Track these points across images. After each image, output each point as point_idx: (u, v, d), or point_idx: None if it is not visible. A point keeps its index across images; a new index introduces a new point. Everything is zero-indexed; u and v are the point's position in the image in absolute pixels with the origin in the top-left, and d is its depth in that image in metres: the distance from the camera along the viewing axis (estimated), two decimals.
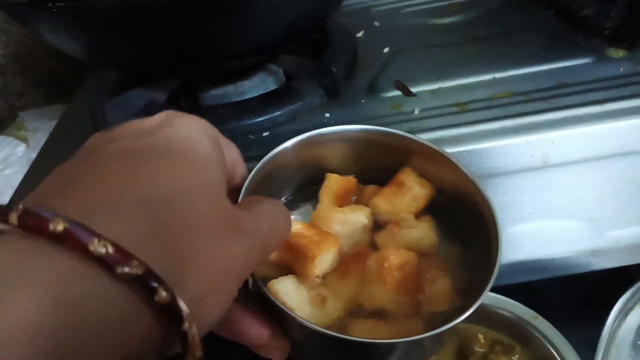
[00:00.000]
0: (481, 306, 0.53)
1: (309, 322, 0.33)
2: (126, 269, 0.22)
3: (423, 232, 0.41)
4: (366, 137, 0.45)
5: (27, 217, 0.22)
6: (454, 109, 0.54)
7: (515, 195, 0.51)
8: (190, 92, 0.65)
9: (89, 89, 0.73)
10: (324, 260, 0.38)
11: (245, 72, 0.64)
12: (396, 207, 0.42)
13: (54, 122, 0.76)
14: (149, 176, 0.26)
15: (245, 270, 0.30)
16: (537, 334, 0.50)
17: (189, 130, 0.31)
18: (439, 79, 0.59)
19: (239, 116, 0.58)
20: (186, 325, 0.24)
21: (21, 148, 0.84)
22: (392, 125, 0.53)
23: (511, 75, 0.58)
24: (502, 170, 0.49)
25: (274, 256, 0.38)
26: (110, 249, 0.22)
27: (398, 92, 0.58)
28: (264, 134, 0.56)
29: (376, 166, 0.45)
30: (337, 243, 0.39)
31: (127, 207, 0.24)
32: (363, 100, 0.58)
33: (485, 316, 0.52)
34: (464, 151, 0.49)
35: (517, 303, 0.52)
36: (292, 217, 0.41)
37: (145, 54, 0.53)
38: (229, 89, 0.63)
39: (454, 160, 0.42)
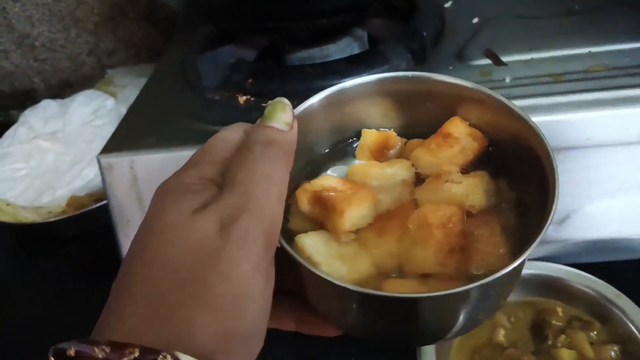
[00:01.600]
0: (561, 281, 0.53)
1: (327, 275, 0.31)
2: (124, 359, 0.25)
3: (469, 188, 0.36)
4: (405, 86, 0.41)
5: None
6: (548, 79, 0.53)
7: (606, 168, 0.49)
8: (276, 53, 0.66)
9: (178, 48, 0.76)
10: (355, 215, 0.35)
11: (331, 35, 0.65)
12: (440, 160, 0.39)
13: (141, 80, 0.80)
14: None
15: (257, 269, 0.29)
16: (618, 312, 0.48)
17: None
18: (531, 49, 0.57)
19: (325, 76, 0.58)
20: None
21: (110, 102, 0.88)
22: None
23: (608, 50, 0.56)
24: (595, 142, 0.48)
25: (307, 210, 0.36)
26: (107, 349, 0.26)
27: (487, 61, 0.57)
28: None
29: (422, 119, 0.41)
30: (371, 197, 0.36)
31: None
32: (451, 67, 0.58)
33: (565, 291, 0.51)
34: (557, 120, 0.48)
35: (599, 280, 0.50)
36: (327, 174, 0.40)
37: (239, 4, 0.55)
38: (315, 51, 0.64)
39: (507, 102, 0.37)
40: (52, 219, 0.74)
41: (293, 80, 0.59)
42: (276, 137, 0.33)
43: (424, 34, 0.59)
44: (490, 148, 0.39)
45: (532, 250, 0.31)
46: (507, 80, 0.53)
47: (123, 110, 0.84)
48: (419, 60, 0.59)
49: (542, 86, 0.52)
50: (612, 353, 0.47)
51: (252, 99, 0.59)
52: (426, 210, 0.35)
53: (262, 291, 0.30)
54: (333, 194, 0.35)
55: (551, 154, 0.34)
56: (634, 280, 0.51)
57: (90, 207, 0.74)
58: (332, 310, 0.36)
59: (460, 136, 0.39)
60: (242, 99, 0.59)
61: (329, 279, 0.31)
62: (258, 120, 0.35)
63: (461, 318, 0.34)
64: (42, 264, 0.76)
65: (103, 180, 0.56)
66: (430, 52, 0.60)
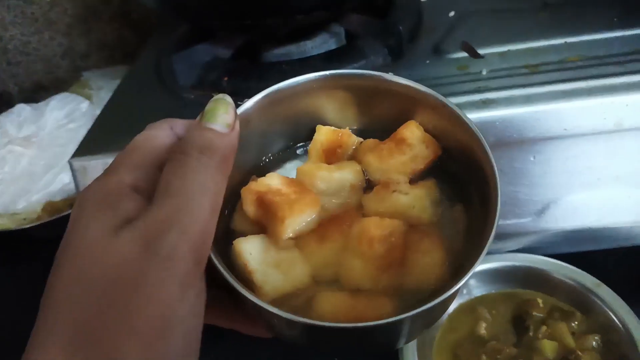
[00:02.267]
0: (541, 272, 0.53)
1: (248, 292, 0.30)
2: None
3: (415, 199, 0.35)
4: (361, 84, 0.40)
5: None
6: (524, 70, 0.53)
7: (584, 159, 0.49)
8: (252, 51, 0.66)
9: (153, 48, 0.75)
10: (296, 222, 0.34)
11: (308, 32, 0.64)
12: (390, 167, 0.37)
13: (117, 82, 0.78)
14: None
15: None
16: (599, 302, 0.48)
17: None
18: (507, 42, 0.57)
19: (302, 72, 0.57)
20: None
21: (85, 104, 0.86)
22: (458, 84, 0.53)
23: (584, 40, 0.56)
24: (573, 133, 0.48)
25: (250, 211, 0.35)
26: None
27: (464, 54, 0.57)
28: None
29: (381, 118, 0.40)
30: (315, 203, 0.35)
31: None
32: (428, 61, 0.58)
33: (545, 282, 0.51)
34: (534, 111, 0.48)
35: (578, 270, 0.50)
36: (277, 172, 0.38)
37: (216, 1, 0.54)
38: (292, 48, 0.64)
39: (458, 112, 0.37)
40: (26, 226, 0.73)
41: (270, 77, 0.58)
42: (214, 141, 0.31)
43: (401, 28, 0.59)
44: (443, 155, 0.38)
45: (473, 272, 0.31)
46: (484, 72, 0.53)
47: (98, 113, 0.83)
48: (396, 56, 0.59)
49: (519, 77, 0.51)
50: (594, 343, 0.47)
51: None
52: (369, 224, 0.33)
53: (192, 309, 0.29)
54: (276, 198, 0.34)
55: (496, 174, 0.33)
56: (614, 269, 0.52)
57: (66, 212, 0.73)
58: (265, 324, 0.35)
59: (413, 142, 0.38)
60: None
61: (257, 302, 0.30)
62: (197, 118, 0.32)
63: (396, 336, 0.34)
64: (17, 269, 0.74)
65: (76, 184, 0.55)
66: (407, 47, 0.60)
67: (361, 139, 0.40)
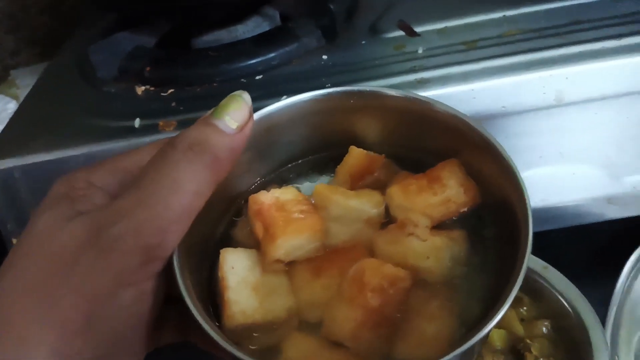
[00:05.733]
0: None
1: (199, 314, 0.26)
2: None
3: (432, 249, 0.30)
4: (408, 106, 0.34)
5: None
6: (461, 47, 0.50)
7: (526, 137, 0.47)
8: (181, 38, 0.61)
9: (78, 40, 0.70)
10: (289, 244, 0.30)
11: (239, 16, 0.60)
12: (413, 205, 0.32)
13: None
14: None
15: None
16: (547, 286, 0.46)
17: None
18: (444, 18, 0.55)
19: (230, 58, 0.54)
20: None
21: (12, 105, 0.81)
22: (393, 65, 0.50)
23: (523, 13, 0.54)
24: (512, 110, 0.46)
25: (250, 223, 0.32)
26: None
27: (401, 33, 0.54)
28: (257, 78, 0.53)
29: (424, 151, 0.35)
30: (315, 228, 0.31)
31: None
32: (364, 42, 0.55)
33: None
34: (471, 89, 0.46)
35: None
36: (295, 186, 0.36)
37: None
38: (222, 34, 0.60)
39: (505, 156, 0.30)
40: None
41: (196, 64, 0.55)
42: (210, 139, 0.28)
43: (333, 8, 0.55)
44: (482, 207, 0.33)
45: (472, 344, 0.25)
46: (420, 51, 0.51)
47: None
48: (331, 37, 0.56)
49: (456, 55, 0.49)
50: (544, 329, 0.45)
51: (152, 88, 0.54)
52: (366, 266, 0.28)
53: (126, 310, 0.26)
54: (276, 213, 0.31)
55: (528, 246, 0.28)
56: (561, 250, 0.49)
57: None
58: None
59: (449, 184, 0.32)
60: (140, 89, 0.54)
61: (208, 331, 0.26)
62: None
63: None
64: None
65: None
66: (342, 27, 0.57)
67: (398, 169, 0.36)
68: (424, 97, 0.34)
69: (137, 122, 0.49)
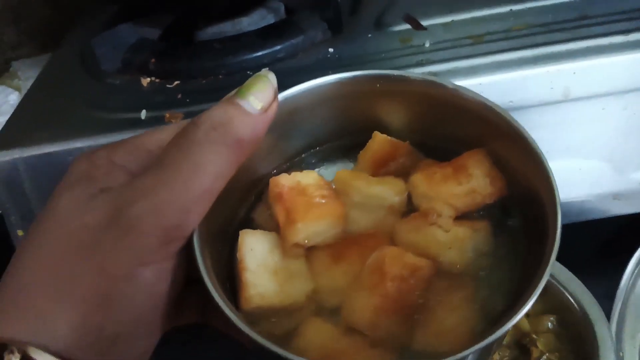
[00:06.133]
0: None
1: (218, 295, 0.26)
2: None
3: (454, 240, 0.29)
4: (436, 92, 0.34)
5: None
6: (468, 41, 0.50)
7: (532, 131, 0.45)
8: (184, 30, 0.61)
9: (80, 32, 0.69)
10: (310, 228, 0.30)
11: (243, 8, 0.60)
12: (438, 194, 0.31)
13: None
14: None
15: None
16: (553, 281, 0.46)
17: None
18: (451, 11, 0.54)
19: (236, 51, 0.54)
20: None
21: (14, 96, 0.80)
22: (400, 58, 0.50)
23: (529, 8, 0.53)
24: (520, 104, 0.46)
25: (271, 206, 0.32)
26: None
27: (407, 26, 0.54)
28: None
29: (451, 139, 0.35)
30: (337, 214, 0.31)
31: None
32: (369, 35, 0.54)
33: None
34: (478, 84, 0.45)
35: None
36: (319, 170, 0.35)
37: None
38: (226, 26, 0.59)
39: (534, 145, 0.30)
40: None
41: (201, 57, 0.55)
42: (235, 119, 0.27)
43: (339, 1, 0.55)
44: (508, 198, 0.32)
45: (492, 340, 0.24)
46: (427, 44, 0.50)
47: None
48: (336, 30, 0.55)
49: (462, 49, 0.49)
50: (549, 324, 0.45)
51: (157, 80, 0.54)
52: (387, 254, 0.28)
53: (145, 290, 0.26)
54: (297, 197, 0.31)
55: (557, 237, 0.27)
56: (568, 245, 0.49)
57: None
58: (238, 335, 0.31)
59: (475, 173, 0.32)
60: (145, 81, 0.54)
61: (226, 312, 0.26)
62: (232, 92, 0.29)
63: None
64: None
65: None
66: (347, 21, 0.56)
67: (423, 157, 0.35)
68: (452, 83, 0.33)
69: (143, 114, 0.49)
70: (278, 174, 0.33)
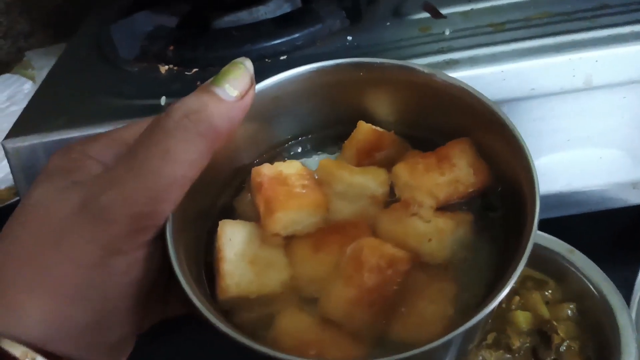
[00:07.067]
0: None
1: (188, 285, 0.26)
2: None
3: (435, 231, 0.29)
4: (416, 80, 0.33)
5: None
6: (488, 29, 0.50)
7: (553, 120, 0.47)
8: (201, 19, 0.61)
9: (95, 20, 0.69)
10: (288, 218, 0.30)
11: None
12: (420, 184, 0.31)
13: None
14: None
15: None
16: (573, 269, 0.46)
17: None
18: (470, 0, 0.54)
19: (254, 39, 0.54)
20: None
21: (28, 85, 0.81)
22: (421, 46, 0.50)
23: None
24: (541, 92, 0.46)
25: (252, 195, 0.32)
26: None
27: (426, 15, 0.54)
28: (282, 58, 0.53)
29: (436, 128, 0.34)
30: (317, 204, 0.31)
31: None
32: (388, 24, 0.54)
33: None
34: (500, 71, 0.45)
35: (550, 236, 0.48)
36: (302, 161, 0.35)
37: None
38: (243, 14, 0.59)
39: (517, 134, 0.29)
40: None
41: (219, 45, 0.55)
42: (208, 106, 0.27)
43: None
44: (491, 188, 0.31)
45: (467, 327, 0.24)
46: (447, 33, 0.50)
47: None
48: (355, 18, 0.55)
49: (483, 37, 0.48)
50: (569, 311, 0.45)
51: (175, 68, 0.54)
52: (365, 245, 0.28)
53: (116, 279, 0.26)
54: (277, 187, 0.30)
55: (533, 227, 0.27)
56: (587, 234, 0.49)
57: (11, 201, 0.68)
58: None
59: (459, 163, 0.31)
60: (163, 68, 0.54)
61: (195, 303, 0.25)
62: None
63: None
64: None
65: (11, 167, 0.50)
66: (366, 9, 0.56)
67: (410, 148, 0.35)
68: (428, 68, 0.33)
69: (163, 100, 0.49)
70: (262, 163, 0.33)
